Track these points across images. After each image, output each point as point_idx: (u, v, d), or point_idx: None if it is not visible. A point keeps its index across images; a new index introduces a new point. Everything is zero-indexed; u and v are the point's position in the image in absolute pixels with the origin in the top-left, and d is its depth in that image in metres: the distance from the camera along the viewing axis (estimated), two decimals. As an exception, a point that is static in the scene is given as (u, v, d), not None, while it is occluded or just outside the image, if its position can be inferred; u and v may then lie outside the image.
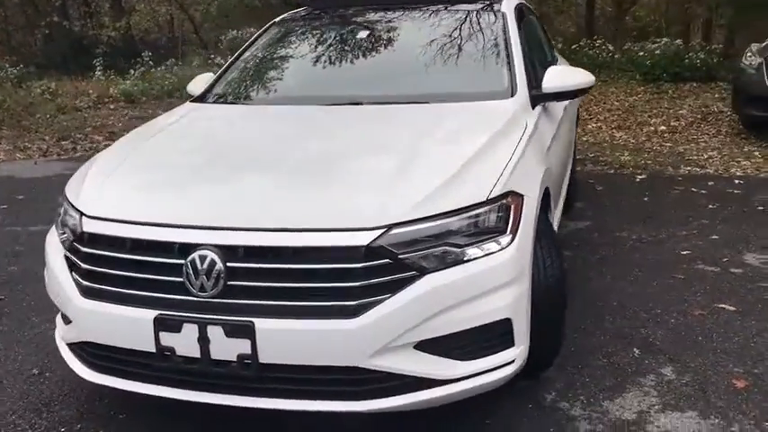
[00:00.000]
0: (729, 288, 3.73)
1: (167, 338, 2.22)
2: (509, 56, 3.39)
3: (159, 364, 2.28)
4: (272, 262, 2.18)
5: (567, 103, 3.86)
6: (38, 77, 13.32)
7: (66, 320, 2.55)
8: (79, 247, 2.43)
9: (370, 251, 2.14)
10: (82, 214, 2.47)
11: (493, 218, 2.31)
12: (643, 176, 6.18)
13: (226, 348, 2.18)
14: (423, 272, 2.17)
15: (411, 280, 2.16)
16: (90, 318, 2.38)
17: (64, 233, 2.56)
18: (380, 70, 3.63)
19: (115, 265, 2.34)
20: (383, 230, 2.16)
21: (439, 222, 2.22)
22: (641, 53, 11.49)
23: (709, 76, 10.81)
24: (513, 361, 2.35)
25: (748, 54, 7.55)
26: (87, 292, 2.37)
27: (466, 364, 2.26)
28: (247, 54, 4.00)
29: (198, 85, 3.85)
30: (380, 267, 2.15)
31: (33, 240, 4.76)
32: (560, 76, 3.31)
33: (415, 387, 2.22)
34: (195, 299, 2.20)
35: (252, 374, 2.19)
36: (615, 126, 8.43)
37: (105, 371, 2.43)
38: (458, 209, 2.26)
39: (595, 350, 3.10)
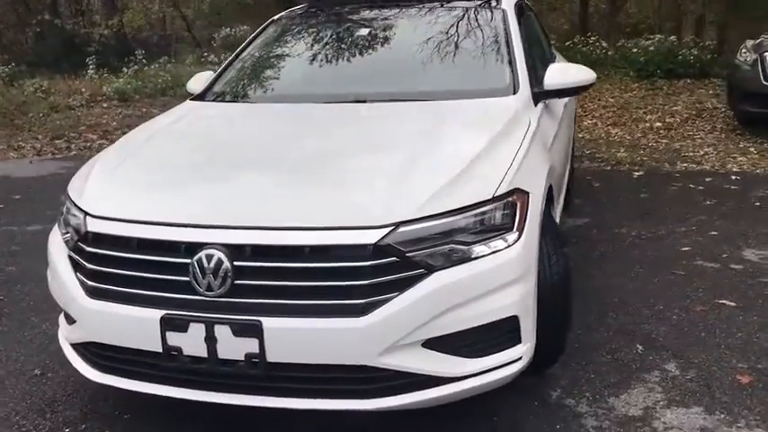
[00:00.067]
0: (730, 284, 3.74)
1: (174, 338, 2.21)
2: (510, 53, 3.39)
3: (166, 364, 2.27)
4: (280, 261, 2.18)
5: (567, 99, 3.87)
6: (30, 76, 13.18)
7: (70, 320, 2.53)
8: (84, 246, 2.41)
9: (377, 249, 2.14)
10: (86, 214, 2.45)
11: (499, 215, 2.31)
12: (640, 173, 6.19)
13: (233, 348, 2.17)
14: (430, 270, 2.17)
15: (419, 278, 2.16)
16: (96, 318, 2.36)
17: (67, 233, 2.54)
18: (382, 68, 3.62)
19: (121, 264, 2.32)
20: (391, 229, 2.16)
21: (446, 220, 2.22)
22: (635, 50, 11.47)
23: (703, 73, 10.82)
24: (521, 358, 2.35)
25: (743, 50, 7.57)
26: (92, 293, 2.35)
27: (474, 361, 2.26)
28: (247, 52, 3.97)
29: (197, 83, 3.81)
30: (388, 265, 2.14)
31: (30, 240, 4.75)
32: (562, 72, 3.31)
33: (423, 385, 2.22)
34: (202, 298, 2.19)
35: (259, 374, 2.19)
36: (611, 123, 8.43)
37: (111, 371, 2.42)
38: (464, 207, 2.26)
39: (599, 346, 3.10)
